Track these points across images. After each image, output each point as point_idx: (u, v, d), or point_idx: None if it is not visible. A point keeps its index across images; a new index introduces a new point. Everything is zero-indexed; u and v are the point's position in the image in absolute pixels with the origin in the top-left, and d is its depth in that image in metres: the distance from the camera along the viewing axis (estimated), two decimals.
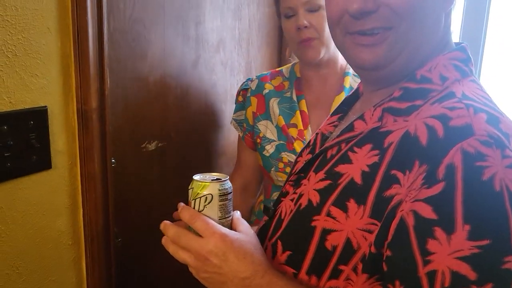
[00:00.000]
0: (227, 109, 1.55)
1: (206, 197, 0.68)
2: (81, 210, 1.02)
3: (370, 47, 0.64)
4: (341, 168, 0.64)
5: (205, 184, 0.68)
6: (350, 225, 0.59)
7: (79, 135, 0.98)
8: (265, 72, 1.36)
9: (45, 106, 0.91)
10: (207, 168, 1.52)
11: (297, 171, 0.75)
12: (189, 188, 0.70)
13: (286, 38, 1.31)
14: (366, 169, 0.60)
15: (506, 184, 0.50)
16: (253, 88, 1.31)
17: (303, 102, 1.26)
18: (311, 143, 0.80)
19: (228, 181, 0.71)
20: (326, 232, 0.61)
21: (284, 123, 1.24)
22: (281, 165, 1.22)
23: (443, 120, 0.56)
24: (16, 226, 0.89)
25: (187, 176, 1.43)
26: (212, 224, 0.65)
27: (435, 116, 0.57)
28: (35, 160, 0.90)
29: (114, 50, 1.10)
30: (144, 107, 1.24)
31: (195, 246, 0.64)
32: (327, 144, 0.70)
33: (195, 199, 0.69)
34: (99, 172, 1.03)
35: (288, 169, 1.21)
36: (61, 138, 0.95)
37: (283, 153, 1.22)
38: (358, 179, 0.60)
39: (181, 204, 0.71)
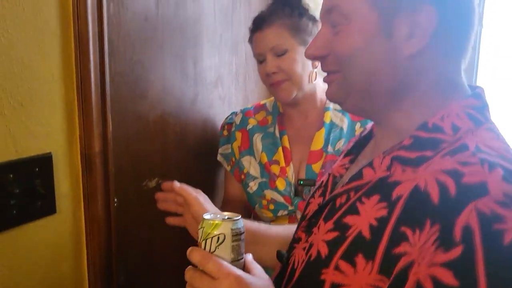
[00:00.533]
0: None
1: (218, 237, 0.64)
2: (85, 253, 1.03)
3: (328, 84, 0.70)
4: (349, 220, 0.62)
5: (217, 223, 0.65)
6: (359, 280, 0.57)
7: (83, 178, 1.00)
8: (249, 106, 1.39)
9: (50, 153, 0.93)
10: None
11: (308, 216, 0.74)
12: (199, 227, 0.67)
13: None
14: (374, 222, 0.58)
15: None
16: (237, 122, 1.34)
17: (285, 137, 1.28)
18: (323, 184, 0.79)
19: (241, 220, 0.67)
20: (335, 286, 0.60)
21: (266, 160, 1.26)
22: (264, 202, 1.24)
23: (456, 176, 0.53)
24: (22, 273, 0.90)
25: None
26: (226, 265, 0.62)
27: (447, 171, 0.55)
28: (40, 205, 0.92)
29: (116, 92, 1.13)
30: (145, 145, 1.26)
31: None
32: (336, 191, 0.69)
33: (206, 239, 0.65)
34: (103, 214, 1.05)
35: (271, 206, 1.22)
36: (66, 183, 0.97)
37: (265, 190, 1.24)
38: (366, 233, 0.59)
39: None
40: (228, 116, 1.39)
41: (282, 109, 1.31)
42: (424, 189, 0.55)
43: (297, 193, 1.23)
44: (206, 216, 0.67)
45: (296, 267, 0.70)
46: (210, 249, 0.64)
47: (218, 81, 1.51)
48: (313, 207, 0.76)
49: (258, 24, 1.21)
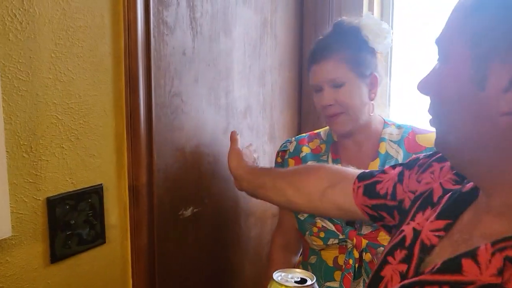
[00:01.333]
0: None
1: None
2: (131, 282, 1.05)
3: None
4: None
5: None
6: None
7: (130, 209, 1.02)
8: (304, 134, 1.39)
9: (101, 184, 0.96)
10: (236, 228, 1.55)
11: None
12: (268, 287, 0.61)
13: None
14: None
15: None
16: (291, 150, 1.35)
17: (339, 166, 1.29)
18: (406, 244, 0.65)
19: (315, 284, 0.61)
20: None
21: None
22: (315, 229, 1.25)
23: None
24: None
25: (217, 239, 1.46)
26: None
27: None
28: (92, 236, 0.94)
29: (156, 124, 1.16)
30: (181, 176, 1.29)
31: None
32: (427, 277, 0.56)
33: None
34: (147, 243, 1.07)
35: (322, 234, 1.23)
36: (114, 213, 0.99)
37: (317, 218, 1.24)
38: None
39: None
40: (283, 143, 1.40)
41: (337, 138, 1.32)
42: None
43: (348, 223, 1.24)
44: (277, 277, 0.61)
45: None
46: None
47: (247, 111, 1.55)
48: (392, 271, 0.64)
49: (316, 57, 1.20)
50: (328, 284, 1.21)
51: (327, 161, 1.29)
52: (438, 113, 0.58)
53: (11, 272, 0.81)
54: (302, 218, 1.28)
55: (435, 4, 1.61)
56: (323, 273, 1.23)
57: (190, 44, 1.27)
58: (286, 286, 0.58)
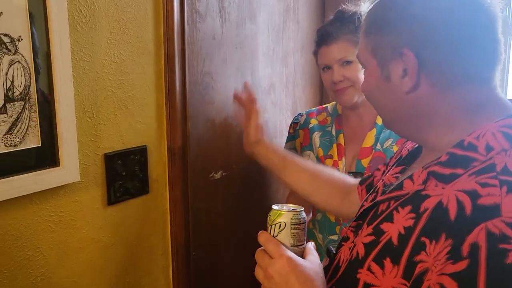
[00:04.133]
0: (277, 142, 1.80)
1: (280, 224, 0.73)
2: (169, 227, 1.28)
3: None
4: (384, 226, 0.68)
5: (280, 212, 0.74)
6: (386, 282, 0.63)
7: (168, 167, 1.25)
8: (313, 108, 1.60)
9: (145, 145, 1.18)
10: (261, 193, 1.76)
11: (356, 218, 0.80)
12: (268, 215, 0.76)
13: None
14: (402, 231, 0.63)
15: None
16: (302, 122, 1.56)
17: (341, 136, 1.47)
18: (376, 189, 0.84)
19: (303, 212, 0.76)
20: (367, 286, 0.66)
21: (322, 154, 1.46)
22: None
23: (473, 197, 0.58)
24: (125, 238, 1.16)
25: (246, 199, 1.67)
26: (281, 248, 0.71)
27: (466, 191, 0.59)
28: (138, 186, 1.18)
29: (190, 99, 1.38)
30: (212, 143, 1.51)
31: (265, 265, 0.71)
32: (379, 198, 0.75)
33: (271, 226, 0.75)
34: (182, 197, 1.30)
35: None
36: (156, 170, 1.22)
37: None
38: (395, 240, 0.64)
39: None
40: (295, 116, 1.61)
41: (341, 111, 1.51)
42: (445, 205, 0.60)
43: None
44: (274, 206, 0.77)
45: (340, 264, 0.76)
46: (273, 234, 0.74)
47: (271, 88, 1.74)
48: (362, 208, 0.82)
49: (325, 39, 1.39)
50: (330, 237, 1.41)
51: (331, 131, 1.49)
52: (373, 105, 0.79)
53: (79, 208, 1.05)
54: None
55: None
56: (327, 228, 1.43)
57: (219, 30, 1.47)
58: (279, 210, 0.75)
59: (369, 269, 0.66)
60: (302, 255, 0.74)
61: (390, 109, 0.76)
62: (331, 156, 1.46)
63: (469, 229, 0.55)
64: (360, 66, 1.34)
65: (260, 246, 0.74)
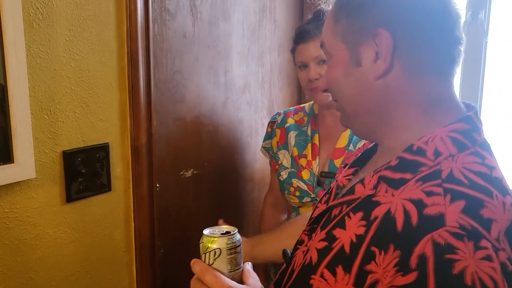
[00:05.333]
0: (252, 141, 1.80)
1: (215, 251, 0.70)
2: (133, 224, 1.28)
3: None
4: (336, 232, 0.67)
5: (213, 238, 0.70)
6: None
7: (132, 164, 1.26)
8: (291, 108, 1.60)
9: (107, 143, 1.19)
10: (235, 191, 1.77)
11: (311, 221, 0.80)
12: (200, 242, 0.72)
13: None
14: (354, 239, 0.63)
15: (479, 277, 0.51)
16: (279, 121, 1.56)
17: (316, 136, 1.48)
18: (329, 191, 0.83)
19: (237, 234, 0.73)
20: None
21: (297, 153, 1.47)
22: (291, 189, 1.45)
23: (419, 206, 0.58)
24: (86, 235, 1.16)
25: (217, 199, 1.67)
26: (221, 278, 0.69)
27: (412, 200, 0.59)
28: (100, 184, 1.18)
29: (159, 97, 1.38)
30: (182, 141, 1.51)
31: None
32: (332, 203, 0.74)
33: (205, 253, 0.71)
34: (147, 194, 1.30)
35: (297, 193, 1.43)
36: (119, 167, 1.23)
37: (293, 179, 1.44)
38: (347, 248, 0.64)
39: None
40: (273, 115, 1.61)
41: (318, 111, 1.51)
42: (393, 214, 0.60)
43: (319, 183, 1.44)
44: (205, 232, 0.73)
45: (294, 268, 0.75)
46: (208, 262, 0.71)
47: (246, 87, 1.74)
48: (318, 210, 0.81)
49: (303, 37, 1.39)
50: None
51: (306, 130, 1.49)
52: (336, 97, 0.75)
53: (35, 205, 1.06)
54: (281, 179, 1.48)
55: None
56: None
57: (190, 28, 1.47)
58: (212, 236, 0.71)
59: (322, 276, 0.66)
60: (240, 279, 0.72)
61: (354, 99, 0.72)
62: (305, 156, 1.47)
63: (416, 240, 0.55)
64: None
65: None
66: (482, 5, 1.74)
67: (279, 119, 1.57)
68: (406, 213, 0.58)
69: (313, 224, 0.77)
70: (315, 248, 0.69)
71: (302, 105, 1.60)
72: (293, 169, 1.46)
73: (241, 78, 1.71)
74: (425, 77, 0.67)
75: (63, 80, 1.07)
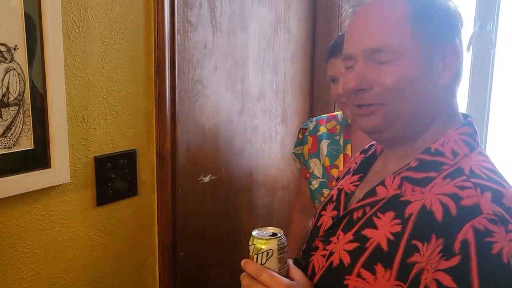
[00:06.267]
0: (266, 148, 1.85)
1: (268, 252, 0.75)
2: (156, 228, 1.33)
3: (365, 116, 0.76)
4: (367, 232, 0.71)
5: (265, 240, 0.75)
6: (379, 286, 0.67)
7: (157, 170, 1.31)
8: (324, 115, 1.59)
9: (135, 149, 1.24)
10: (249, 196, 1.82)
11: (324, 227, 0.83)
12: (250, 244, 0.77)
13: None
14: (391, 237, 0.68)
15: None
16: (311, 128, 1.56)
17: (349, 146, 1.47)
18: (334, 199, 0.86)
19: (284, 236, 0.77)
20: None
21: (328, 163, 1.48)
22: (322, 199, 1.47)
23: (455, 199, 0.65)
24: (113, 237, 1.22)
25: (234, 202, 1.72)
26: (277, 277, 0.73)
27: (448, 194, 0.66)
28: (127, 188, 1.23)
29: (180, 105, 1.44)
30: (201, 148, 1.56)
31: None
32: (353, 206, 0.77)
33: (257, 254, 0.75)
34: (170, 199, 1.35)
35: None
36: (145, 172, 1.28)
37: (324, 189, 1.47)
38: (384, 246, 0.68)
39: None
40: (305, 122, 1.61)
41: (350, 120, 1.51)
42: (430, 209, 0.66)
43: None
44: (255, 234, 0.77)
45: (316, 271, 0.78)
46: (261, 262, 0.75)
47: (261, 96, 1.80)
48: (326, 219, 0.85)
49: (334, 52, 1.38)
50: None
51: (339, 140, 1.48)
52: (390, 98, 0.72)
53: (69, 208, 1.11)
54: (312, 189, 1.50)
55: None
56: None
57: (210, 39, 1.53)
58: (263, 238, 0.76)
59: (359, 275, 0.69)
60: (287, 275, 0.77)
61: (419, 104, 0.73)
62: (337, 166, 1.47)
63: (458, 228, 0.61)
64: None
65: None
66: (490, 17, 1.79)
67: (311, 126, 1.56)
68: (444, 206, 0.65)
69: (329, 230, 0.80)
70: (345, 250, 0.73)
71: (334, 113, 1.60)
72: (324, 179, 1.48)
73: (256, 86, 1.77)
74: (455, 90, 0.77)
75: (96, 90, 1.12)
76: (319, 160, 1.51)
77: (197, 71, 1.50)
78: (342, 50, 1.22)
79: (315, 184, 1.49)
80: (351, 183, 0.85)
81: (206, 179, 1.61)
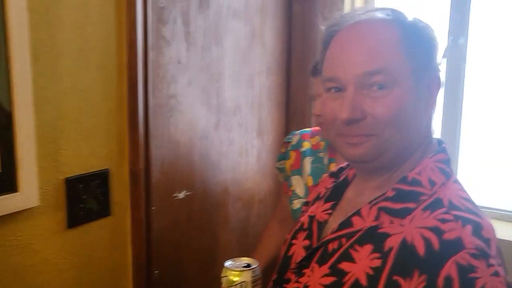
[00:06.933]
0: (242, 161, 1.84)
1: (241, 284, 0.73)
2: (130, 248, 1.31)
3: (354, 145, 0.72)
4: (345, 266, 0.69)
5: (238, 272, 0.74)
6: None
7: (130, 189, 1.28)
8: (308, 129, 1.53)
9: (107, 169, 1.21)
10: (225, 210, 1.80)
11: (296, 259, 0.79)
12: (223, 276, 0.75)
13: None
14: (370, 271, 0.65)
15: None
16: (294, 143, 1.50)
17: (333, 165, 1.40)
18: (305, 227, 0.83)
19: (258, 267, 0.77)
20: None
21: (311, 183, 1.42)
22: None
23: (437, 233, 0.63)
24: (85, 259, 1.19)
25: (209, 217, 1.70)
26: None
27: (429, 228, 0.64)
28: (100, 209, 1.20)
29: (154, 121, 1.41)
30: (175, 164, 1.54)
31: None
32: (328, 237, 0.74)
33: (230, 287, 0.74)
34: (144, 217, 1.33)
35: None
36: (118, 192, 1.25)
37: None
38: (363, 281, 0.66)
39: None
40: (288, 135, 1.57)
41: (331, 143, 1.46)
42: (411, 243, 0.64)
43: None
44: (227, 265, 0.76)
45: None
46: None
47: (237, 109, 1.79)
48: (297, 248, 0.82)
49: (313, 72, 1.34)
50: None
51: (323, 158, 1.43)
52: (383, 128, 0.70)
53: (38, 232, 1.07)
54: (294, 208, 1.45)
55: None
56: None
57: (184, 54, 1.52)
58: (236, 270, 0.74)
59: None
60: None
61: (408, 134, 0.71)
62: None
63: (441, 264, 0.60)
64: None
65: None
66: (462, 31, 1.83)
67: (294, 140, 1.50)
68: (426, 240, 0.63)
69: (302, 262, 0.77)
70: (321, 284, 0.70)
71: (320, 128, 1.52)
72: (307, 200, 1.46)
73: (232, 100, 1.76)
74: (432, 115, 0.75)
75: (66, 110, 1.09)
76: (301, 177, 1.46)
77: (171, 86, 1.48)
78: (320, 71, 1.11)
79: (296, 203, 1.44)
80: (323, 211, 0.82)
81: (181, 195, 1.59)
